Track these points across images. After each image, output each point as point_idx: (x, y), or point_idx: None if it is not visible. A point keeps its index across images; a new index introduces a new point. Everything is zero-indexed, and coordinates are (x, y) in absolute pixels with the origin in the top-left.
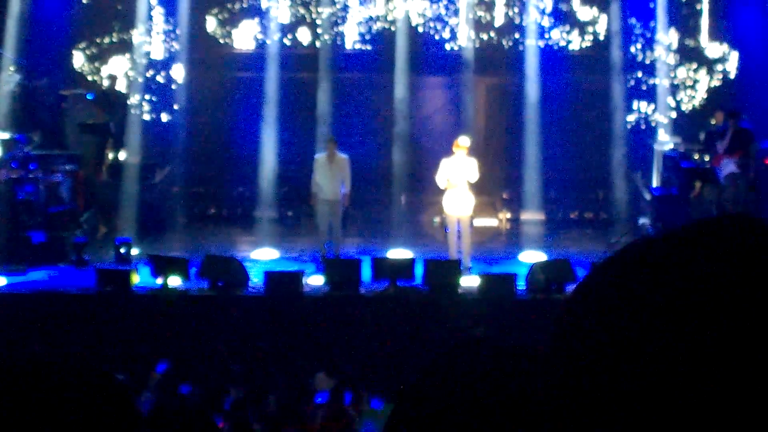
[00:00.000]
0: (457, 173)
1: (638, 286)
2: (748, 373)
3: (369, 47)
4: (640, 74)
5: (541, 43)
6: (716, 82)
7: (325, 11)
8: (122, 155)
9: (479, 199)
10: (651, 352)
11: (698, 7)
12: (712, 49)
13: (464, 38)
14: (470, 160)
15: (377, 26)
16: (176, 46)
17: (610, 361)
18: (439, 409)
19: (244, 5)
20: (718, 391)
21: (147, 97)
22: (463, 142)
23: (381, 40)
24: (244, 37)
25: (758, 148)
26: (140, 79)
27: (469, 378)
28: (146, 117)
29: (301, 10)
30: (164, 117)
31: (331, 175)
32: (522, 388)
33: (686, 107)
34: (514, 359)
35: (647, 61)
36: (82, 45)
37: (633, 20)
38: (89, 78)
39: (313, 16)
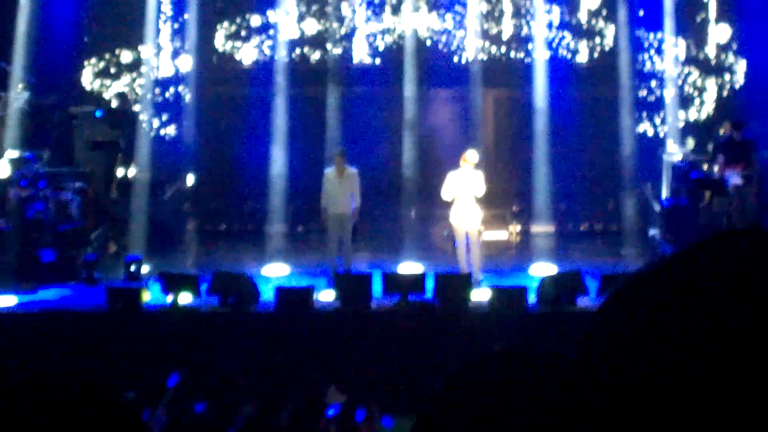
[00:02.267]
0: (464, 187)
1: (667, 302)
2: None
3: (377, 61)
4: (648, 85)
5: (549, 55)
6: (725, 92)
7: (334, 26)
8: (132, 172)
9: (489, 212)
10: (681, 369)
11: (706, 17)
12: (720, 59)
13: (472, 51)
14: (477, 174)
15: (385, 40)
16: (185, 62)
17: (641, 375)
18: (464, 420)
19: (253, 20)
20: (747, 401)
21: (156, 113)
22: (471, 157)
23: (389, 54)
24: (253, 52)
25: (761, 157)
26: (149, 96)
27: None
28: (155, 133)
29: (310, 25)
30: (173, 133)
31: (340, 190)
32: (548, 399)
33: (695, 117)
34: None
35: (655, 72)
36: (91, 62)
37: (641, 31)
38: (98, 95)
39: (322, 30)
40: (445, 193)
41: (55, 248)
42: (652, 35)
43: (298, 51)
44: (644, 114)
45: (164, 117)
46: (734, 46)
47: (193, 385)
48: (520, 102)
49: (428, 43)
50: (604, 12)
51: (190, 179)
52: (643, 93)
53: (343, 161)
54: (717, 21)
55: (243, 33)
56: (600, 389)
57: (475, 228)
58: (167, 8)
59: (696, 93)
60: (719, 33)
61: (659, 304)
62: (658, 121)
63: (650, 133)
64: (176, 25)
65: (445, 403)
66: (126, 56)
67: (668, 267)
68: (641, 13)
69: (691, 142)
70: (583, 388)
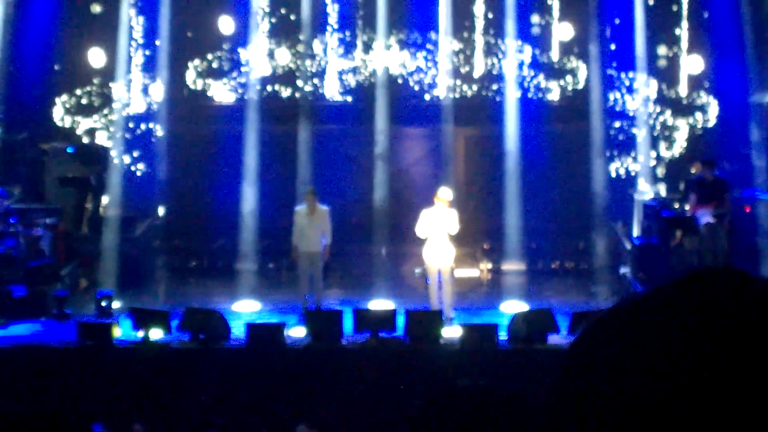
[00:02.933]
0: (438, 224)
1: (634, 343)
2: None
3: (349, 99)
4: (619, 123)
5: (520, 93)
6: (696, 131)
7: (305, 63)
8: (103, 208)
9: (460, 250)
10: (648, 407)
11: (677, 56)
12: (692, 98)
13: (444, 89)
14: (451, 212)
15: (357, 78)
16: (156, 98)
17: (610, 415)
18: None
19: (224, 58)
20: None
21: (127, 149)
22: (444, 194)
23: (361, 92)
24: (224, 89)
25: (732, 197)
26: (120, 132)
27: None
28: (126, 169)
29: (281, 63)
30: (145, 169)
31: (311, 227)
32: None
33: (666, 156)
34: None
35: (627, 111)
36: (63, 98)
37: (612, 70)
38: (69, 131)
39: (293, 68)
40: (419, 230)
41: (26, 284)
42: (623, 74)
43: (269, 88)
44: (615, 152)
45: (135, 153)
46: (706, 85)
47: (163, 423)
48: (492, 140)
49: (400, 80)
50: (576, 50)
51: (161, 213)
52: (613, 131)
53: (315, 199)
54: (689, 60)
55: (214, 69)
56: (572, 427)
57: (447, 265)
58: (139, 45)
59: (667, 132)
60: (691, 65)
61: (629, 343)
62: (629, 159)
63: (622, 171)
64: (148, 63)
65: None
66: (97, 92)
67: (637, 305)
68: (612, 46)
69: (662, 181)
70: (554, 427)
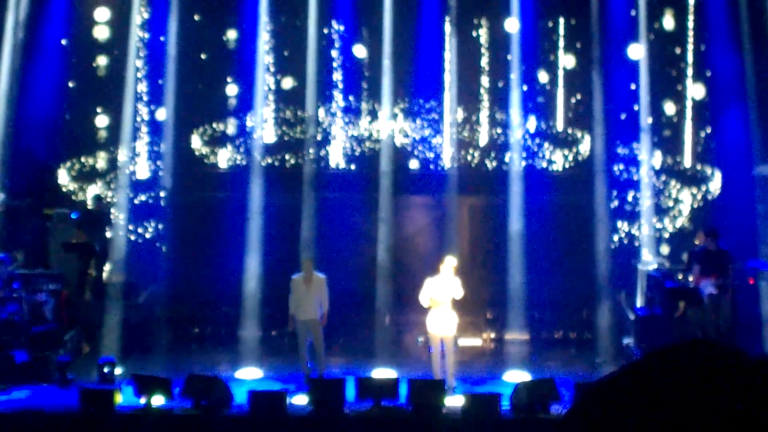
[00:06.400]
0: (442, 293)
1: (621, 413)
2: None
3: (353, 167)
4: (623, 194)
5: (525, 163)
6: (700, 202)
7: (310, 132)
8: (106, 275)
9: (463, 319)
10: None
11: (681, 127)
12: (696, 169)
13: (448, 158)
14: (455, 280)
15: (362, 146)
16: (161, 165)
17: None
18: None
19: (229, 125)
20: None
21: (131, 216)
22: (450, 262)
23: (365, 160)
24: (229, 156)
25: (736, 268)
26: (125, 199)
27: None
28: (130, 236)
29: (286, 131)
30: (148, 236)
31: (308, 296)
32: None
33: (670, 227)
34: None
35: (631, 181)
36: (67, 164)
37: (617, 142)
38: (73, 197)
39: (298, 136)
40: (423, 298)
41: (29, 349)
42: (626, 145)
43: (274, 156)
44: (619, 223)
45: (139, 219)
46: (710, 156)
47: None
48: (496, 209)
49: (404, 150)
50: (580, 121)
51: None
52: (617, 202)
53: (312, 267)
54: (693, 132)
55: (219, 137)
56: None
57: (450, 334)
58: (144, 111)
59: (671, 203)
60: (694, 143)
61: (622, 410)
62: (633, 229)
63: (625, 241)
64: (153, 129)
65: None
66: (102, 159)
67: (630, 375)
68: (621, 115)
69: (666, 252)
70: None
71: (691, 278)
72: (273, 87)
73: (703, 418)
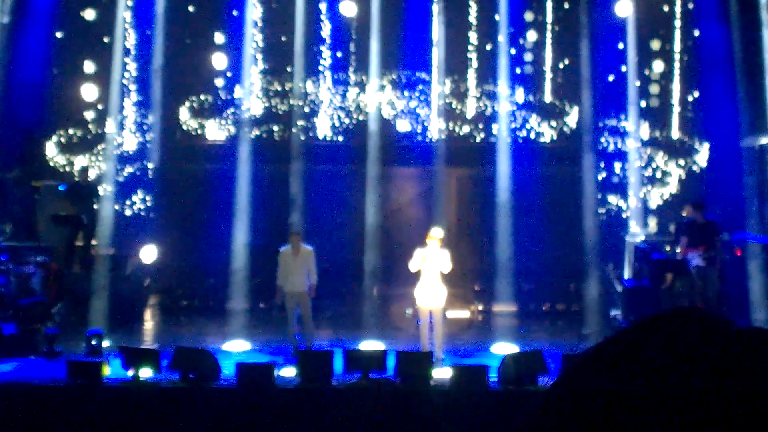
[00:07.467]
0: (431, 265)
1: (607, 382)
2: None
3: (341, 139)
4: (611, 166)
5: (512, 135)
6: (687, 174)
7: (297, 103)
8: (94, 247)
9: (451, 291)
10: None
11: (669, 91)
12: (683, 141)
13: (435, 130)
14: (443, 252)
15: (350, 118)
16: (148, 137)
17: None
18: None
19: (217, 97)
20: None
21: (119, 188)
22: (437, 233)
23: (352, 132)
24: (217, 128)
25: (723, 240)
26: (112, 171)
27: None
28: (118, 208)
29: (274, 102)
30: (136, 208)
31: (296, 268)
32: None
33: (657, 199)
34: None
35: (619, 153)
36: (54, 137)
37: (605, 114)
38: (61, 170)
39: (285, 108)
40: (412, 265)
41: (17, 322)
42: (614, 117)
43: (261, 127)
44: (607, 195)
45: (127, 192)
46: (697, 128)
47: None
48: (483, 181)
49: (392, 121)
50: (568, 93)
51: (152, 253)
52: (605, 174)
53: (299, 240)
54: (680, 104)
55: (207, 108)
56: None
57: (438, 306)
58: (132, 83)
59: (659, 175)
60: (682, 116)
61: (609, 379)
62: (620, 202)
63: (613, 213)
64: (140, 101)
65: None
66: (90, 131)
67: (616, 344)
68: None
69: (653, 224)
70: None
71: (678, 250)
72: (261, 58)
73: (689, 387)
